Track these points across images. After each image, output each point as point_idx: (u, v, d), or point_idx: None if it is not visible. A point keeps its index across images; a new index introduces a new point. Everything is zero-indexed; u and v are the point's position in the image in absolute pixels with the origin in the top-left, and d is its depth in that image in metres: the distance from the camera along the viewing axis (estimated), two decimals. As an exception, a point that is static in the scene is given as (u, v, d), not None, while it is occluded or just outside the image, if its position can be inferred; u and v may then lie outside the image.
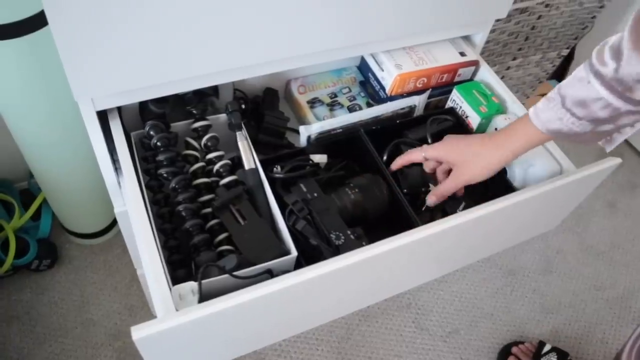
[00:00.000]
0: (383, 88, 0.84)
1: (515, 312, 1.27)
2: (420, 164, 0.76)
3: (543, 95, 1.70)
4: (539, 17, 1.15)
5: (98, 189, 1.08)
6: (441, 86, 0.86)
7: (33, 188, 1.20)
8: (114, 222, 1.23)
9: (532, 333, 1.24)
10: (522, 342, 1.18)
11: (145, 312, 1.15)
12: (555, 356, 1.14)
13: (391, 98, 0.83)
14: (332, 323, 1.20)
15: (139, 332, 0.48)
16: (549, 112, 0.57)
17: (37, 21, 0.74)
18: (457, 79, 0.86)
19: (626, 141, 0.62)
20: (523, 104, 0.82)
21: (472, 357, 1.19)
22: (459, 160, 0.66)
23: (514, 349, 1.16)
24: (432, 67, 0.82)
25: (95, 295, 1.17)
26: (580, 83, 0.54)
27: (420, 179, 0.74)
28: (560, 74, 1.55)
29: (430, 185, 0.75)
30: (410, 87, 0.83)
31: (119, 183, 0.74)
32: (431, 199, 0.70)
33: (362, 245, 0.60)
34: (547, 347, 1.15)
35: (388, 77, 0.82)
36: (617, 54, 0.51)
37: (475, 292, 1.29)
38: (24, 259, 1.12)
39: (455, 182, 0.67)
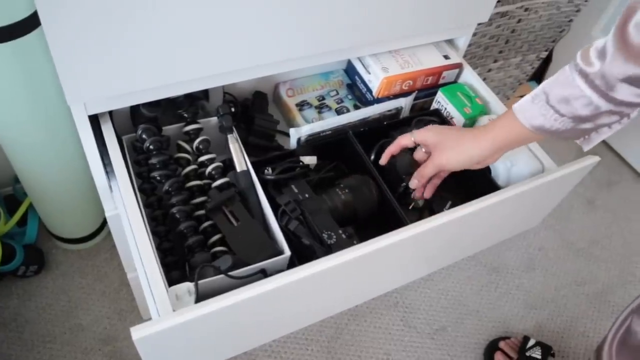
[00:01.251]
0: (370, 90, 0.86)
1: (500, 309, 1.30)
2: (406, 152, 0.77)
3: (523, 96, 1.73)
4: (519, 21, 1.18)
5: (85, 193, 1.08)
6: (426, 88, 0.88)
7: (18, 193, 1.19)
8: (102, 227, 1.22)
9: (516, 328, 1.27)
10: (508, 337, 1.21)
11: (134, 316, 1.15)
12: (540, 350, 1.17)
13: (378, 100, 0.85)
14: (321, 323, 1.21)
15: (139, 333, 0.49)
16: (533, 107, 0.59)
17: (24, 27, 0.74)
18: (441, 81, 0.89)
19: (603, 140, 0.65)
20: (504, 105, 0.84)
21: (459, 353, 1.21)
22: (437, 143, 0.67)
23: (501, 343, 1.19)
24: (418, 70, 0.85)
25: (84, 300, 1.16)
26: (565, 81, 0.56)
27: (408, 166, 0.76)
28: (539, 75, 1.59)
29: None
30: (397, 90, 0.85)
31: (110, 187, 0.74)
32: (413, 182, 0.71)
33: (353, 244, 0.61)
34: (531, 342, 1.18)
35: (375, 80, 0.84)
36: (602, 54, 0.53)
37: (460, 289, 1.32)
38: (10, 265, 1.11)
39: (432, 163, 0.68)
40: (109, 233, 1.23)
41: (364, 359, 1.17)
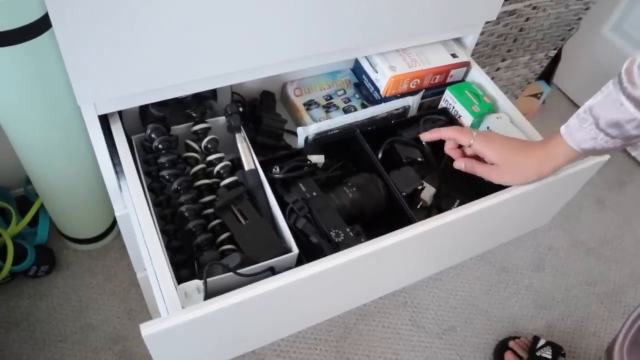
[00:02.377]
0: (377, 89, 0.86)
1: (510, 309, 1.29)
2: (410, 165, 0.77)
3: (532, 95, 1.71)
4: (527, 19, 1.18)
5: (95, 193, 1.09)
6: (434, 87, 0.88)
7: (29, 194, 1.21)
8: (111, 227, 1.23)
9: (526, 329, 1.26)
10: (518, 337, 1.21)
11: (144, 316, 1.15)
12: (550, 350, 1.16)
13: (385, 99, 0.85)
14: (329, 322, 1.21)
15: (148, 329, 0.49)
16: (582, 132, 0.59)
17: (36, 28, 0.75)
18: (449, 80, 0.89)
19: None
20: (512, 104, 0.84)
21: (468, 353, 1.21)
22: (498, 163, 0.67)
23: (512, 343, 1.18)
24: (425, 69, 0.84)
25: (94, 300, 1.17)
26: (612, 104, 0.56)
27: (415, 177, 0.76)
28: (548, 74, 1.58)
29: (424, 183, 0.77)
30: (404, 88, 0.85)
31: (119, 186, 0.75)
32: (461, 165, 0.70)
33: (361, 242, 0.62)
34: (541, 342, 1.17)
35: (382, 78, 0.84)
36: None
37: (469, 289, 1.31)
38: (21, 265, 1.12)
39: (488, 175, 0.68)
40: (119, 233, 1.24)
41: (372, 359, 1.17)
